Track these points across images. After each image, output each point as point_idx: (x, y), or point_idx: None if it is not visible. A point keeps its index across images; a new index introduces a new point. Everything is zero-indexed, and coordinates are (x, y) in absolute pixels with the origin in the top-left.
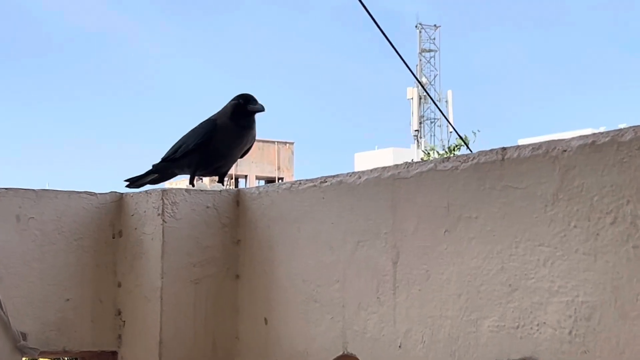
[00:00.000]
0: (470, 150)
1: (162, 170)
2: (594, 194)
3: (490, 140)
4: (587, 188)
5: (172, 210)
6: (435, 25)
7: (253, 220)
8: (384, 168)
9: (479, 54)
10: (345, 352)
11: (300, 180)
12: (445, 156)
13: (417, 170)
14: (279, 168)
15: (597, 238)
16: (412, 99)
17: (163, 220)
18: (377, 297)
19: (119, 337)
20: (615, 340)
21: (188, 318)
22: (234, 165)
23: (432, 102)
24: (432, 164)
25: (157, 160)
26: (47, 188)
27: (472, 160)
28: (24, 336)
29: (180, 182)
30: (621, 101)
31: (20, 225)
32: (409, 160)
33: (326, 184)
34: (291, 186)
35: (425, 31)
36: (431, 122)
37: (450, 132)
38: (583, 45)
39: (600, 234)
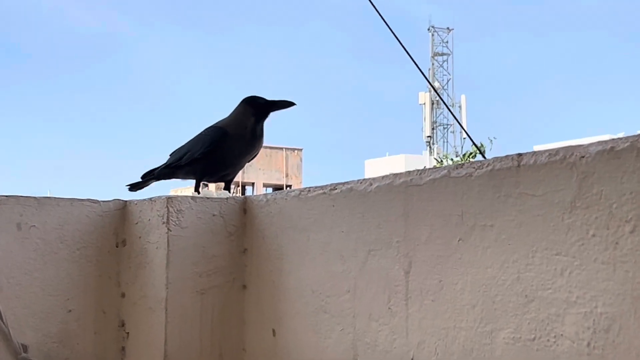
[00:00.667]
0: (485, 158)
1: (166, 177)
2: (612, 201)
3: (504, 147)
4: (606, 195)
5: (177, 218)
6: (448, 28)
7: (260, 228)
8: (395, 175)
9: (493, 58)
10: None
11: (309, 188)
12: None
13: (430, 177)
14: (287, 175)
15: (616, 247)
16: (424, 104)
17: (168, 229)
18: (389, 308)
19: (123, 349)
20: (636, 352)
21: (194, 329)
22: (241, 173)
23: (444, 107)
24: (446, 171)
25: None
26: (49, 195)
27: (487, 166)
28: (25, 348)
29: (186, 189)
30: None
31: (22, 234)
32: (421, 167)
33: (336, 191)
34: (300, 193)
35: (438, 34)
36: (444, 128)
37: (464, 138)
38: (601, 50)
39: (619, 243)
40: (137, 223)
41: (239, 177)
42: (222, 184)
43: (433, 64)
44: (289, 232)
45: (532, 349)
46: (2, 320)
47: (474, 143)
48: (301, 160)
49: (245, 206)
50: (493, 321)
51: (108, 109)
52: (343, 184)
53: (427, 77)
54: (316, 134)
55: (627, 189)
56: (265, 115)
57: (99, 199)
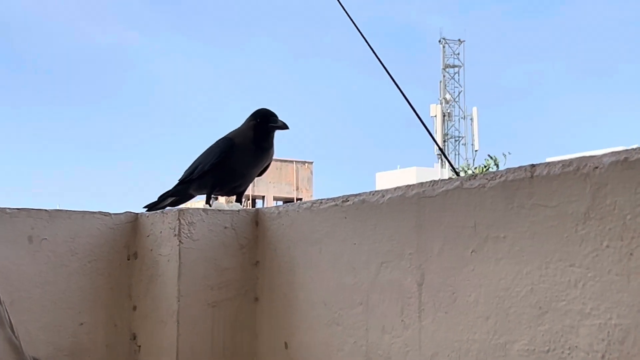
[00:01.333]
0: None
1: (180, 193)
2: (627, 212)
3: (516, 159)
4: (620, 206)
5: (189, 230)
6: (459, 40)
7: (272, 241)
8: (408, 186)
9: (505, 69)
10: None
11: (321, 200)
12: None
13: (443, 189)
14: (297, 188)
15: (630, 258)
16: (435, 116)
17: (179, 241)
18: (402, 320)
19: None
20: None
21: (205, 342)
22: (251, 186)
23: (456, 119)
24: (459, 182)
25: (173, 179)
26: (60, 208)
27: (499, 177)
28: None
29: (197, 202)
30: None
31: (33, 247)
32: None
33: (348, 203)
34: (312, 205)
35: (449, 46)
36: (455, 141)
37: (476, 150)
38: (614, 61)
39: (633, 254)
40: (148, 236)
41: (249, 191)
42: (234, 197)
43: (444, 76)
44: (301, 245)
45: None
46: (14, 334)
47: (490, 157)
48: (312, 173)
49: (257, 218)
50: (507, 333)
51: (120, 124)
52: (355, 195)
53: (439, 89)
54: (327, 146)
55: None
56: (266, 130)
57: (110, 212)
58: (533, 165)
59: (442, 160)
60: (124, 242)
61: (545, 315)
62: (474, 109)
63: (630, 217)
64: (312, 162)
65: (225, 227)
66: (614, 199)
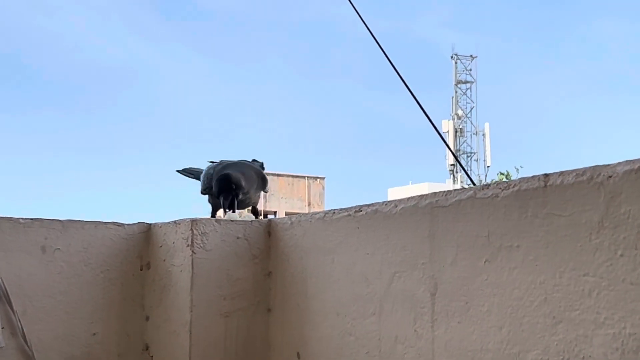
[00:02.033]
0: None
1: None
2: None
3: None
4: (634, 215)
5: (201, 241)
6: (471, 56)
7: (285, 251)
8: (421, 196)
9: (517, 85)
10: None
11: (334, 210)
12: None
13: (456, 198)
14: (309, 204)
15: None
16: (447, 132)
17: (192, 252)
18: (415, 330)
19: None
20: None
21: (218, 353)
22: (262, 201)
23: (468, 135)
24: (472, 192)
25: (179, 189)
26: (73, 219)
27: (513, 187)
28: None
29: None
30: None
31: (46, 257)
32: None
33: (361, 213)
34: (325, 216)
35: (462, 62)
36: (467, 156)
37: (488, 166)
38: (627, 77)
39: None
40: (161, 246)
41: (260, 206)
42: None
43: (456, 92)
44: (314, 255)
45: None
46: (27, 343)
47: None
48: (323, 188)
49: (269, 229)
50: (520, 343)
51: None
52: (368, 205)
53: (451, 105)
54: (339, 162)
55: None
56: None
57: (124, 222)
58: (546, 175)
59: (454, 175)
60: (137, 252)
61: (559, 324)
62: (486, 125)
63: None
64: (324, 178)
65: (238, 238)
66: (628, 207)
